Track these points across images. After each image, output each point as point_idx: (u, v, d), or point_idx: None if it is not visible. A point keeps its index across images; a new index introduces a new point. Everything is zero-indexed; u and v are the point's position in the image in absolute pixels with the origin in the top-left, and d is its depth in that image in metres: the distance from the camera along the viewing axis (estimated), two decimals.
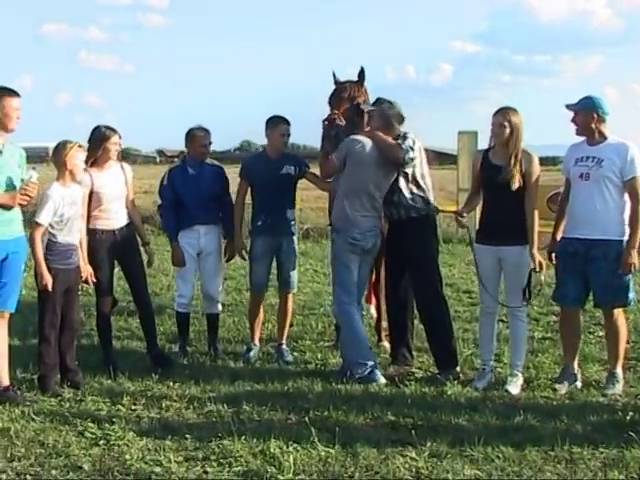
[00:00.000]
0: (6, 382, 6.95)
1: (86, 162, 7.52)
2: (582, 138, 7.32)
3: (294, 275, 8.56)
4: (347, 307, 7.72)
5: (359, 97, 8.13)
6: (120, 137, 7.90)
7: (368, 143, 7.54)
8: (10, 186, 6.70)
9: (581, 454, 5.67)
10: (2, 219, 6.69)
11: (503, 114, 7.22)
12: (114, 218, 7.82)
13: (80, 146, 7.21)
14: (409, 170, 7.67)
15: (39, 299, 7.30)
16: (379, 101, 7.81)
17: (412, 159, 7.56)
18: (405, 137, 7.60)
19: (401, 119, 7.75)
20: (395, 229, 7.86)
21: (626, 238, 7.04)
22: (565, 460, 5.61)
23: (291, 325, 9.12)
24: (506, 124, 7.18)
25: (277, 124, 8.25)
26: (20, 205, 6.77)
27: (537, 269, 7.20)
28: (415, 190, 7.75)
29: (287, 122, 8.30)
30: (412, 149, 7.53)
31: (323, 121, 8.13)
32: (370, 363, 7.53)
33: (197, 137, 8.38)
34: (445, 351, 7.79)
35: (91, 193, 7.64)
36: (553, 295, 7.72)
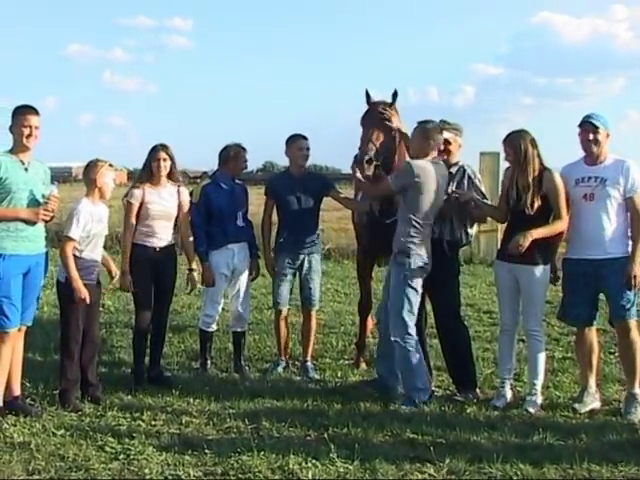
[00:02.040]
0: (17, 392, 7.05)
1: (141, 180, 7.90)
2: (579, 157, 7.37)
3: (316, 293, 8.62)
4: (413, 332, 7.43)
5: (391, 118, 7.98)
6: (170, 155, 7.94)
7: (429, 168, 7.33)
8: (33, 202, 6.80)
9: (600, 472, 5.69)
10: (27, 235, 6.79)
11: (506, 142, 7.31)
12: (156, 236, 7.86)
13: (111, 165, 7.37)
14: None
15: (61, 315, 7.36)
16: (447, 125, 7.77)
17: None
18: (475, 174, 7.82)
19: (440, 130, 7.60)
20: None
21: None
22: (584, 478, 5.63)
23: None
24: (509, 151, 7.27)
25: (295, 140, 8.38)
26: (43, 220, 6.87)
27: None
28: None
29: (304, 137, 8.41)
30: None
31: (357, 161, 7.81)
32: (431, 389, 7.51)
33: (241, 155, 8.49)
34: (463, 372, 7.79)
35: (140, 208, 7.77)
36: (559, 314, 7.76)
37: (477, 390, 7.70)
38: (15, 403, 6.96)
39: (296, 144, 8.37)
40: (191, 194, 8.39)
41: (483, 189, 7.82)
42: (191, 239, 8.21)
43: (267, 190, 8.62)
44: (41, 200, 6.82)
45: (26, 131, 6.77)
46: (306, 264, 8.44)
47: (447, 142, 7.71)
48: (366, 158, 7.65)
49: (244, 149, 8.52)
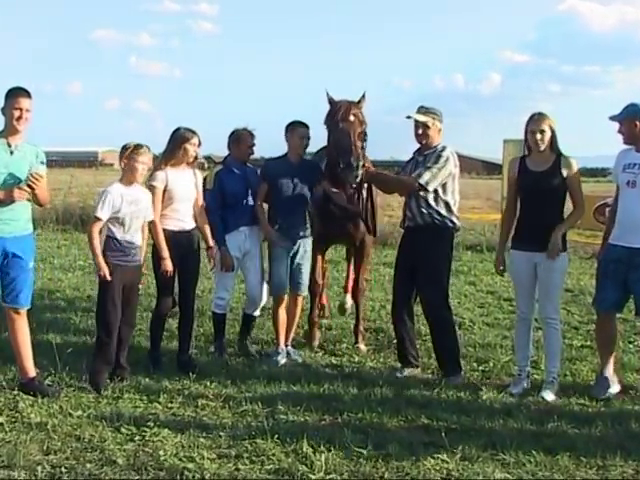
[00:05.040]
0: (32, 373, 7.13)
1: (166, 162, 7.82)
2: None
3: (306, 278, 8.61)
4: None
5: (358, 117, 8.12)
6: (199, 140, 7.98)
7: None
8: (11, 184, 6.81)
9: (614, 461, 5.67)
10: (2, 217, 6.83)
11: (543, 119, 7.22)
12: (182, 220, 7.90)
13: (137, 146, 7.36)
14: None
15: (98, 295, 7.47)
16: (424, 109, 7.85)
17: (428, 183, 7.65)
18: (439, 156, 7.69)
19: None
20: (409, 235, 8.02)
21: None
22: (597, 466, 5.62)
23: (321, 327, 9.40)
24: (546, 129, 7.20)
25: (296, 128, 8.30)
26: (21, 199, 6.87)
27: None
28: (437, 202, 7.77)
29: (306, 126, 8.35)
30: (434, 173, 7.64)
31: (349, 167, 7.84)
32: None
33: (244, 138, 8.47)
34: (447, 356, 7.90)
35: (164, 191, 7.77)
36: (593, 301, 7.72)
37: (461, 374, 7.81)
38: (32, 384, 7.03)
39: (298, 132, 8.29)
40: (205, 180, 8.43)
41: (438, 165, 7.67)
42: (206, 220, 8.22)
43: (261, 174, 8.53)
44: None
45: (17, 113, 6.78)
46: (301, 250, 8.43)
47: (426, 126, 7.77)
48: (360, 164, 7.79)
49: (250, 133, 8.51)
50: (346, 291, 10.33)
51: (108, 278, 7.17)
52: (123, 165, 7.38)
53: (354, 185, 8.07)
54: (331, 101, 8.20)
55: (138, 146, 7.36)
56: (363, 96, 8.25)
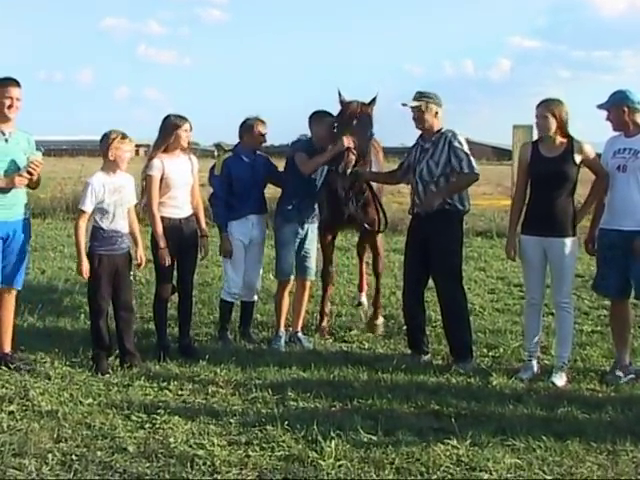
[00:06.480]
0: (7, 349, 7.47)
1: (157, 149, 7.81)
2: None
3: (314, 263, 8.66)
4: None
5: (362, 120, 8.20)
6: (191, 126, 7.98)
7: None
8: (11, 171, 7.08)
9: (624, 446, 5.65)
10: (4, 203, 7.09)
11: (545, 106, 7.21)
12: (180, 207, 7.92)
13: (124, 137, 7.38)
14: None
15: (87, 284, 7.58)
16: (419, 95, 7.82)
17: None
18: (459, 141, 7.70)
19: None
20: (418, 221, 7.98)
21: None
22: (607, 451, 5.60)
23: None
24: (548, 115, 7.17)
25: (323, 118, 8.31)
26: (22, 185, 7.18)
27: None
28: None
29: (332, 115, 8.34)
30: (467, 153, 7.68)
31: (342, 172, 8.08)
32: None
33: (256, 126, 8.45)
34: (459, 342, 7.86)
35: (161, 179, 7.77)
36: (593, 285, 7.79)
37: (473, 361, 7.79)
38: (4, 359, 7.35)
39: (325, 122, 8.29)
40: (214, 167, 8.46)
41: (466, 149, 7.71)
42: (202, 207, 8.27)
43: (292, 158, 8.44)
44: (22, 170, 7.10)
45: (7, 102, 7.05)
46: (310, 234, 8.46)
47: (420, 110, 7.75)
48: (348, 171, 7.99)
49: (262, 122, 8.49)
50: (360, 290, 10.42)
51: (85, 276, 7.38)
52: (109, 155, 7.37)
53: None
54: (342, 102, 8.24)
55: (124, 136, 7.41)
56: (374, 98, 8.27)
